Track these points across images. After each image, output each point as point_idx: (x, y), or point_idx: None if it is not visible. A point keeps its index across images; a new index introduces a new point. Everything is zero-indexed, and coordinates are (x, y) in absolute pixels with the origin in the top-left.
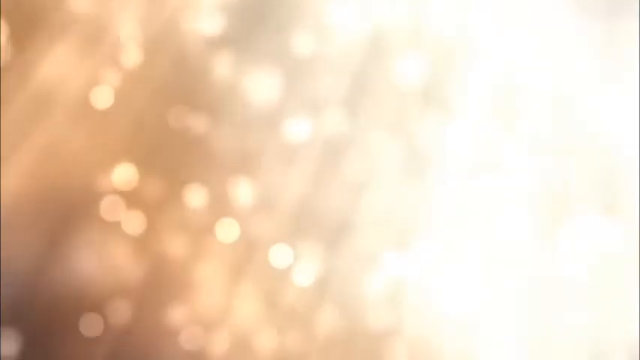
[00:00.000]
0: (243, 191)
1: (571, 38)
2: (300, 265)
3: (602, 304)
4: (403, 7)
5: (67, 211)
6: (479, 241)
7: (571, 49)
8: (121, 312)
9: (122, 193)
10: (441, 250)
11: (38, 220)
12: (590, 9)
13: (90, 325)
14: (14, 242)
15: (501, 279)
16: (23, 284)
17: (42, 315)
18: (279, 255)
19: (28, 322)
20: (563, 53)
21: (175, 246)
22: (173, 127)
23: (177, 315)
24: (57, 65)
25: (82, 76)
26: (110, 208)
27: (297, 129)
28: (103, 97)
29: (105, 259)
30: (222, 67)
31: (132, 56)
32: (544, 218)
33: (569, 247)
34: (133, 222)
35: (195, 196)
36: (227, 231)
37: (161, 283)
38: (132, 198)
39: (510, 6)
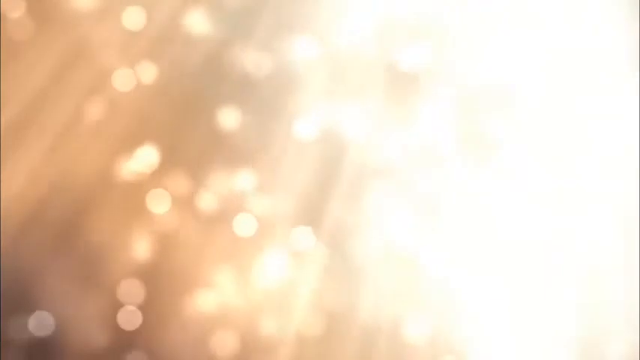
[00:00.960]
0: (255, 184)
1: (570, 39)
2: (312, 256)
3: (602, 303)
4: (408, 2)
5: (83, 194)
6: (484, 238)
7: (571, 49)
8: (135, 295)
9: (139, 178)
10: (449, 243)
11: (54, 204)
12: (589, 9)
13: (104, 308)
14: (30, 225)
15: (503, 276)
16: (43, 267)
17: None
18: (294, 243)
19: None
20: (563, 53)
21: (190, 233)
22: (192, 115)
23: (188, 302)
24: (70, 50)
25: (96, 61)
26: (128, 193)
27: (306, 123)
28: (122, 81)
29: (120, 243)
30: (234, 59)
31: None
32: (544, 215)
33: (570, 245)
34: (150, 207)
35: (210, 190)
36: (242, 224)
37: (175, 270)
38: (150, 183)
39: (512, 5)
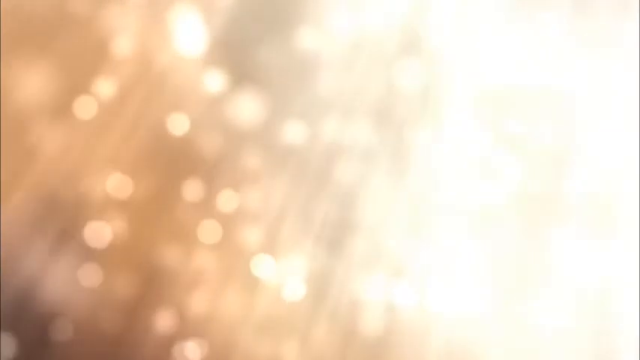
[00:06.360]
0: (237, 199)
1: (569, 41)
2: (293, 273)
3: (601, 305)
4: (400, 11)
5: (60, 220)
6: (476, 242)
7: (570, 50)
8: (113, 321)
9: (113, 201)
10: (438, 252)
11: (33, 229)
12: (589, 9)
13: (80, 332)
14: (9, 251)
15: (498, 280)
16: (21, 290)
17: (38, 320)
18: (271, 264)
19: (25, 327)
20: (562, 54)
21: (168, 255)
22: (165, 135)
23: (167, 324)
24: (45, 75)
25: (72, 84)
26: (102, 217)
27: (292, 134)
28: (93, 106)
29: (97, 267)
30: (215, 73)
31: (124, 65)
32: (541, 219)
33: (566, 247)
34: (124, 229)
35: (189, 205)
36: (218, 238)
37: (153, 291)
38: (123, 206)
39: (508, 7)
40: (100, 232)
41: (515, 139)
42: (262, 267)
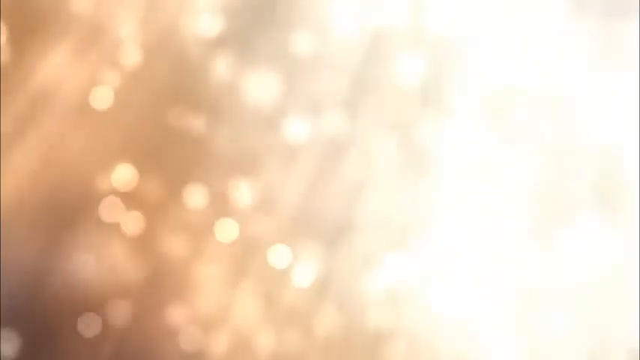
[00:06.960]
0: (242, 191)
1: (570, 39)
2: (299, 266)
3: (601, 305)
4: (403, 7)
5: (66, 212)
6: (477, 242)
7: (570, 50)
8: (121, 313)
9: (121, 194)
10: (440, 251)
11: (38, 222)
12: (589, 9)
13: (89, 326)
14: (14, 243)
15: (499, 280)
16: (23, 285)
17: (41, 315)
18: (279, 255)
19: (28, 322)
20: (562, 54)
21: (174, 246)
22: (172, 127)
23: (176, 315)
24: (56, 67)
25: (80, 77)
26: (109, 209)
27: (296, 129)
28: (101, 98)
29: (104, 260)
30: (221, 67)
31: (131, 57)
32: (542, 219)
33: (568, 247)
34: (132, 222)
35: (195, 197)
36: (226, 231)
37: (160, 284)
38: (131, 198)
39: (508, 7)
40: (107, 226)
41: (515, 138)
42: (270, 258)
